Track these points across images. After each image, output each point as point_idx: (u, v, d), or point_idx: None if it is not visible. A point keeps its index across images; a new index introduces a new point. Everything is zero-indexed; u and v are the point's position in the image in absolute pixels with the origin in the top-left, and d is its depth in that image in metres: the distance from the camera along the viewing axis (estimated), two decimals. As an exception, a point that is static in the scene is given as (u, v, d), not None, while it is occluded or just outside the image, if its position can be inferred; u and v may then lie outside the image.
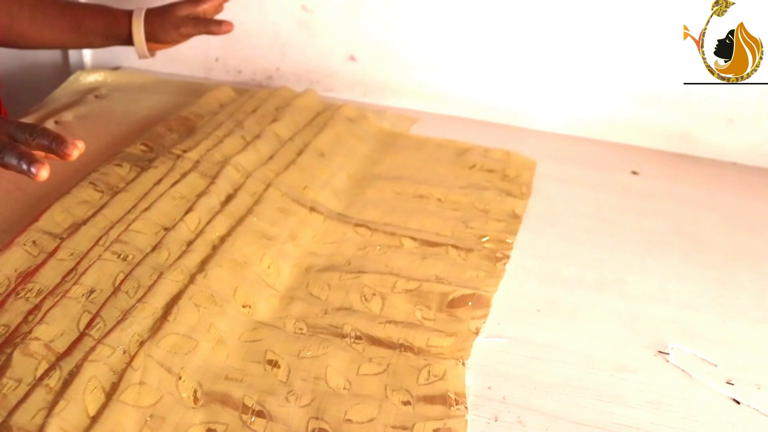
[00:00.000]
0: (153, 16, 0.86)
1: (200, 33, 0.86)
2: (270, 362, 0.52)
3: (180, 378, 0.49)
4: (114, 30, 0.86)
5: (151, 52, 0.88)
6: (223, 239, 0.63)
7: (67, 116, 0.86)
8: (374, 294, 0.60)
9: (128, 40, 0.87)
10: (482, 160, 0.86)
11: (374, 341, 0.55)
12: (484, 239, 0.70)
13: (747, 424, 0.52)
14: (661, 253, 0.73)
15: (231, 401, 0.48)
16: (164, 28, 0.85)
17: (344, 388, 0.51)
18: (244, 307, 0.57)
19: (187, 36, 0.87)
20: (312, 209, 0.71)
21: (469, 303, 0.60)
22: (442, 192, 0.78)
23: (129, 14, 0.86)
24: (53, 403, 0.44)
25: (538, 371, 0.55)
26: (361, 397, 0.50)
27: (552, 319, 0.61)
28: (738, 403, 0.54)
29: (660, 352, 0.59)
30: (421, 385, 0.51)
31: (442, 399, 0.50)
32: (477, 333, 0.57)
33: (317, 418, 0.48)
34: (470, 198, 0.77)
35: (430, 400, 0.50)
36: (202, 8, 0.87)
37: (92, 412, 0.44)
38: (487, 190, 0.79)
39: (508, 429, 0.50)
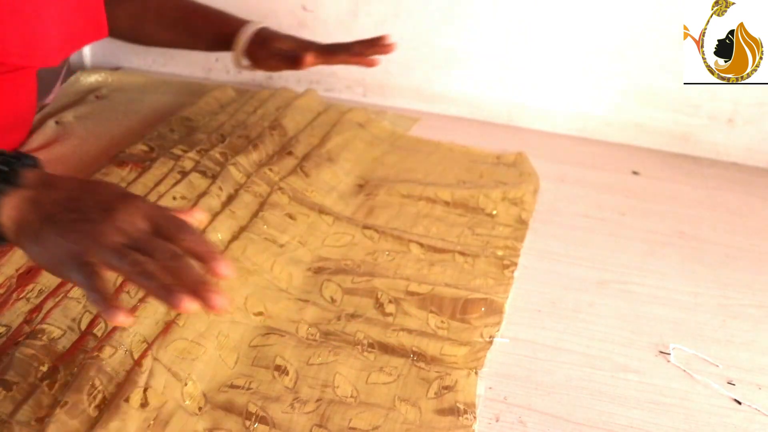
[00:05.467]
0: (260, 37, 0.83)
1: (287, 69, 0.83)
2: (278, 368, 0.52)
3: (186, 384, 0.48)
4: (222, 33, 0.85)
5: (246, 66, 0.86)
6: (229, 244, 0.62)
7: (68, 116, 0.85)
8: (389, 300, 0.59)
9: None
10: (492, 168, 0.85)
11: (387, 349, 0.55)
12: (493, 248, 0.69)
13: (748, 424, 0.52)
14: (661, 253, 0.73)
15: (235, 408, 0.48)
16: (260, 54, 0.83)
17: (351, 396, 0.50)
18: (256, 315, 0.57)
19: (277, 69, 0.84)
20: (321, 212, 0.71)
21: (483, 309, 0.59)
22: (449, 195, 0.76)
23: (243, 23, 0.84)
24: (54, 403, 0.44)
25: (539, 371, 0.55)
26: (367, 406, 0.50)
27: (553, 319, 0.61)
28: (739, 403, 0.54)
29: (661, 352, 0.59)
30: (430, 398, 0.51)
31: (451, 411, 0.50)
32: (491, 342, 0.56)
33: (320, 426, 0.48)
34: (476, 203, 0.76)
35: (439, 412, 0.50)
36: (300, 51, 0.81)
37: (93, 413, 0.44)
38: (493, 194, 0.77)
39: (510, 429, 0.50)
